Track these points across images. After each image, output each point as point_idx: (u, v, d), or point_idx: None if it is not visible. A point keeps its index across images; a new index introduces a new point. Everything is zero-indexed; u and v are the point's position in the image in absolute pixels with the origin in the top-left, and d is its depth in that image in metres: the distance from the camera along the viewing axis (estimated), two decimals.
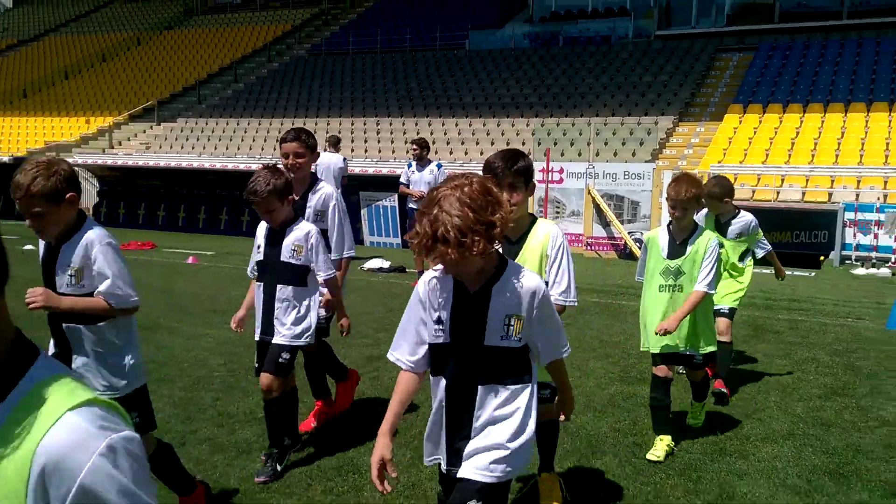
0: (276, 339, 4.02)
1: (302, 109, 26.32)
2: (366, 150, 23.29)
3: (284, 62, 31.67)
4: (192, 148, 24.13)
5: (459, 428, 2.41)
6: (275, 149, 22.93)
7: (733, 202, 5.82)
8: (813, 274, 14.19)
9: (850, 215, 16.04)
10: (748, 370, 6.53)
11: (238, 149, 23.74)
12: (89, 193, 22.16)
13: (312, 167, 4.76)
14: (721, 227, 5.79)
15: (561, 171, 15.53)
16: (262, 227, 4.14)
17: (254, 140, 23.76)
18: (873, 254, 15.35)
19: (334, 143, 13.43)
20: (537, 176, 15.15)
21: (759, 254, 5.99)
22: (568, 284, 3.25)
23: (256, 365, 4.19)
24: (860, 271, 14.25)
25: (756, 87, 23.58)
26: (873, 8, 26.85)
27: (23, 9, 45.72)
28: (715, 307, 5.44)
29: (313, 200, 4.53)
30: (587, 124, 22.81)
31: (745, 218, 5.82)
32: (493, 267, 2.39)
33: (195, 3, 39.63)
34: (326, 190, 4.59)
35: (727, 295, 5.79)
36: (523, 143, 22.71)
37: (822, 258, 15.88)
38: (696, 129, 22.48)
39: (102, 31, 38.76)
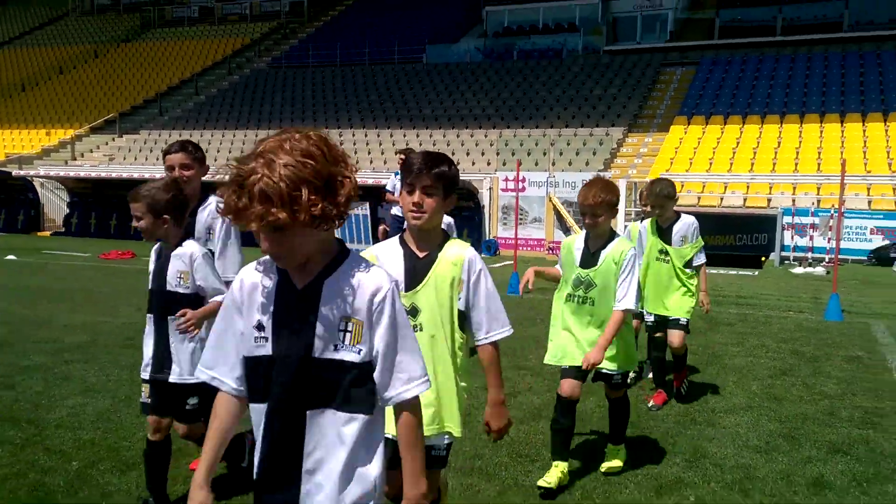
0: (173, 378, 3.41)
1: (265, 122, 26.49)
2: None
3: (245, 75, 31.75)
4: (157, 159, 24.08)
5: (285, 467, 1.80)
6: None
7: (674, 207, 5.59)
8: (756, 273, 15.09)
9: (787, 219, 17.08)
10: (709, 355, 7.17)
11: None
12: (56, 205, 22.00)
13: None
14: (664, 234, 5.49)
15: (523, 180, 16.19)
16: (153, 250, 3.59)
17: (218, 151, 23.83)
18: (809, 254, 16.38)
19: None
20: (509, 185, 15.82)
21: (695, 262, 5.53)
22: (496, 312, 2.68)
23: (146, 401, 3.53)
24: (798, 270, 15.22)
25: (699, 99, 24.72)
26: (805, 24, 28.41)
27: None
28: (671, 318, 5.44)
29: (202, 216, 3.93)
30: (542, 135, 23.60)
31: (687, 220, 5.49)
32: (329, 256, 1.81)
33: (152, 16, 39.35)
34: (214, 206, 3.85)
35: (680, 305, 5.44)
36: (483, 154, 23.39)
37: (763, 259, 16.86)
38: (645, 139, 23.47)
39: (58, 43, 38.13)
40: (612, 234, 3.96)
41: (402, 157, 11.10)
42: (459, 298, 2.59)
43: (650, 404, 5.39)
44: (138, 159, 24.36)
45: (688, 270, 5.45)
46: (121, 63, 34.61)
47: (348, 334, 1.77)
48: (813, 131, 21.55)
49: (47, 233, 21.23)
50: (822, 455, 4.52)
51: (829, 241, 15.68)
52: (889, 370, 6.77)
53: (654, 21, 31.91)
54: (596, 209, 3.81)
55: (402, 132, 25.40)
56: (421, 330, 2.56)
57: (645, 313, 5.61)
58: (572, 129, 24.08)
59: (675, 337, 5.45)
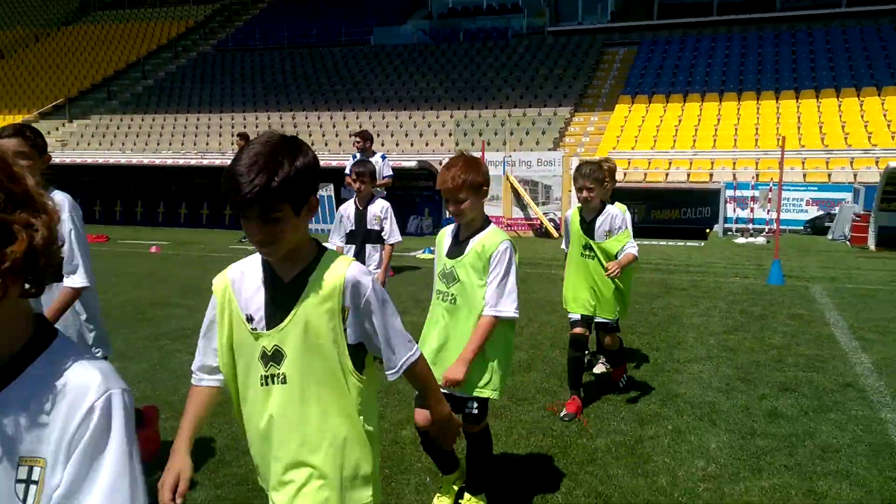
0: None
1: (216, 105, 26.28)
2: None
3: (192, 58, 31.30)
4: (111, 144, 23.74)
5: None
6: (195, 143, 22.97)
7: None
8: (702, 244, 15.97)
9: (730, 193, 18.05)
10: (668, 316, 7.83)
11: (158, 144, 23.57)
12: None
13: None
14: (588, 227, 4.76)
15: (481, 159, 16.73)
16: None
17: (172, 136, 23.62)
18: (750, 225, 17.38)
19: (245, 138, 14.18)
20: None
21: (623, 251, 4.71)
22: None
23: None
24: (741, 240, 16.17)
25: (641, 79, 25.58)
26: (739, 2, 29.55)
27: None
28: (598, 320, 4.80)
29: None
30: (493, 116, 24.14)
31: (611, 212, 4.73)
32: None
33: None
34: (57, 198, 3.26)
35: (608, 307, 4.76)
36: (436, 135, 23.79)
37: (707, 231, 17.80)
38: (591, 118, 24.22)
39: None
40: (486, 222, 3.19)
41: (359, 139, 11.34)
42: (346, 329, 1.90)
43: (562, 413, 4.66)
44: (91, 144, 23.96)
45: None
46: (63, 47, 33.64)
47: None
48: (750, 108, 22.62)
49: None
50: (775, 393, 5.18)
51: (768, 213, 16.66)
52: (827, 324, 7.54)
53: (596, 2, 32.68)
54: (457, 193, 2.99)
55: (355, 114, 25.57)
56: (284, 382, 1.88)
57: (569, 314, 4.93)
58: (521, 109, 24.66)
59: (608, 340, 4.94)
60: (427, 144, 23.27)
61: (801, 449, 4.15)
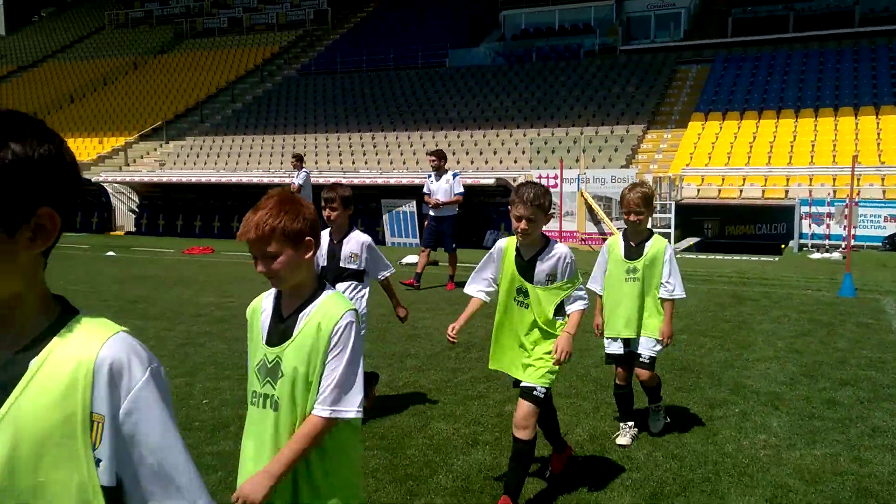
0: None
1: (300, 126, 27.91)
2: (366, 163, 24.97)
3: (277, 83, 33.23)
4: (205, 164, 25.63)
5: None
6: (281, 163, 24.54)
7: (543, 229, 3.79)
8: (776, 259, 16.26)
9: (805, 209, 18.24)
10: (739, 322, 8.43)
11: (248, 164, 25.30)
12: (122, 208, 23.69)
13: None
14: (525, 268, 3.76)
15: (556, 176, 17.50)
16: None
17: (261, 155, 25.30)
18: (826, 241, 17.54)
19: (300, 159, 15.83)
20: (551, 182, 17.17)
21: (569, 308, 3.79)
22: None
23: None
24: (816, 256, 16.37)
25: (715, 96, 25.87)
26: (817, 14, 29.44)
27: (16, 36, 46.67)
28: (522, 384, 3.74)
29: None
30: (565, 134, 24.87)
31: (559, 251, 3.77)
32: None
33: (184, 28, 41.03)
34: None
35: (537, 370, 3.72)
36: (509, 153, 24.67)
37: (782, 246, 18.03)
38: (664, 135, 24.65)
39: (99, 56, 39.93)
40: (316, 291, 2.40)
41: (433, 158, 12.19)
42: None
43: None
44: (187, 164, 25.91)
45: (556, 320, 3.79)
46: (160, 73, 36.25)
47: None
48: (827, 124, 22.63)
49: (120, 232, 22.92)
50: (834, 386, 5.79)
51: (844, 229, 16.80)
52: (893, 332, 8.00)
53: (668, 20, 33.07)
54: (264, 245, 2.22)
55: (431, 134, 26.70)
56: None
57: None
58: (593, 127, 25.29)
59: (522, 415, 3.71)
60: (501, 162, 24.16)
61: (852, 429, 4.79)
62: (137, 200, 23.40)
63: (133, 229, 22.93)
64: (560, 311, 3.82)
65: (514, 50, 33.86)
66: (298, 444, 2.15)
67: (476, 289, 3.95)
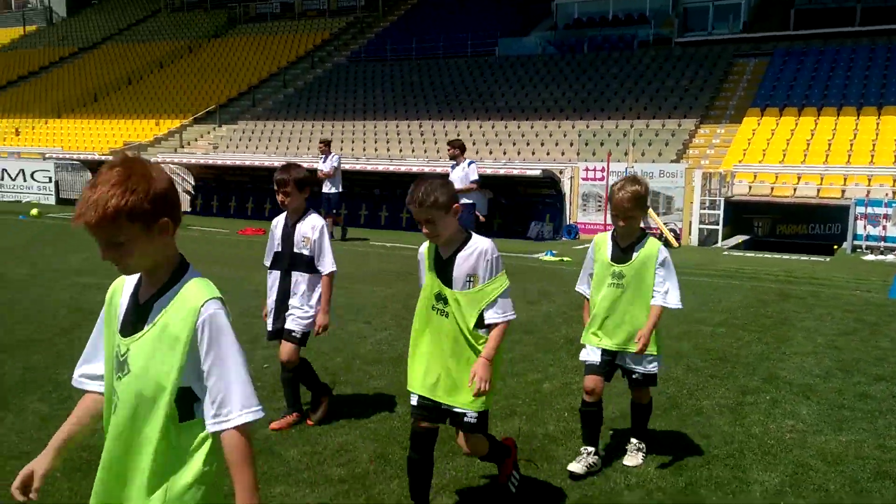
0: None
1: (349, 112, 28.49)
2: (412, 150, 25.41)
3: (327, 69, 33.89)
4: (256, 148, 26.45)
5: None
6: (340, 149, 25.21)
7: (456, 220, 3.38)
8: (828, 259, 16.17)
9: (860, 209, 18.02)
10: (781, 318, 8.58)
11: (297, 149, 26.00)
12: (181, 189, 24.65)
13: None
14: (442, 270, 3.37)
15: (603, 169, 17.65)
16: None
17: (310, 141, 25.93)
18: (882, 243, 17.33)
19: (328, 144, 16.40)
20: (589, 175, 17.35)
21: (489, 318, 3.31)
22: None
23: None
24: (869, 257, 16.22)
25: (773, 91, 25.54)
26: (887, 5, 28.68)
27: (77, 18, 48.53)
28: (454, 409, 3.34)
29: None
30: (615, 127, 24.90)
31: (479, 246, 3.34)
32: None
33: (238, 12, 42.06)
34: None
35: (466, 394, 3.30)
36: (557, 144, 24.83)
37: (835, 247, 17.87)
38: (717, 130, 24.48)
39: (155, 39, 41.28)
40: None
41: (449, 147, 12.49)
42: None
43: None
44: (239, 147, 26.76)
45: (479, 332, 3.33)
46: (213, 57, 37.31)
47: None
48: (890, 123, 22.21)
49: None
50: (869, 381, 5.98)
51: None
52: None
53: (728, 11, 32.63)
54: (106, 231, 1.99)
55: (479, 123, 26.98)
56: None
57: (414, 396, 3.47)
58: (644, 120, 25.24)
59: (468, 444, 3.45)
60: (548, 153, 24.33)
61: (880, 420, 5.01)
62: (192, 182, 24.35)
63: (188, 209, 23.84)
64: (480, 322, 3.31)
65: (566, 39, 33.84)
66: (242, 474, 1.89)
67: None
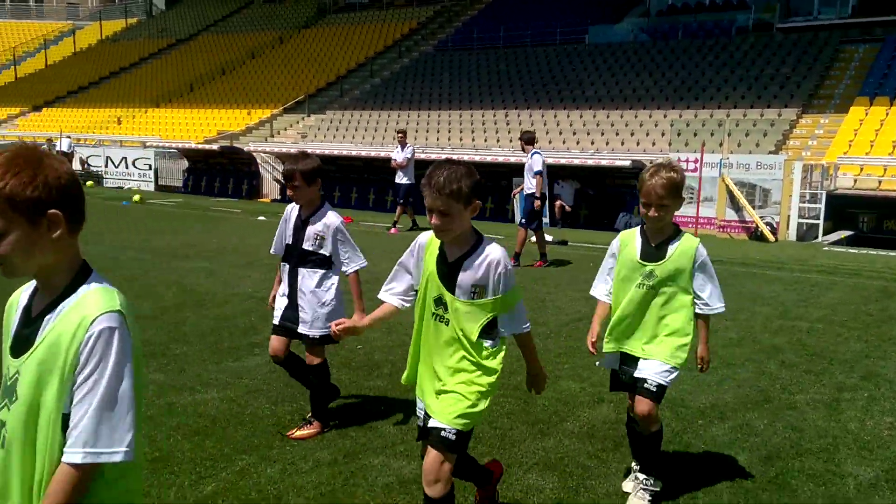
0: None
1: (435, 102, 28.87)
2: (498, 141, 25.56)
3: (414, 58, 34.39)
4: (343, 137, 27.21)
5: None
6: (415, 138, 25.59)
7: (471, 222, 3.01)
8: None
9: None
10: (885, 316, 8.29)
11: (383, 138, 26.59)
12: (268, 177, 25.75)
13: None
14: (447, 274, 2.98)
15: (696, 161, 17.34)
16: None
17: (396, 131, 26.49)
18: None
19: (405, 134, 16.88)
20: (690, 167, 17.10)
21: (504, 330, 3.07)
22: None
23: None
24: None
25: (883, 79, 24.32)
26: None
27: (175, 10, 51.05)
28: (434, 426, 2.94)
29: None
30: (709, 116, 24.30)
31: (490, 256, 2.95)
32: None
33: (327, 2, 43.20)
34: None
35: (447, 409, 2.94)
36: (647, 134, 24.46)
37: None
38: (821, 121, 23.54)
39: (247, 30, 42.96)
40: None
41: (521, 141, 12.49)
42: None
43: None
44: (327, 137, 27.60)
45: (485, 344, 2.99)
46: (303, 48, 38.50)
47: None
48: None
49: (267, 199, 24.91)
50: None
51: None
52: None
53: None
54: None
55: (566, 112, 26.86)
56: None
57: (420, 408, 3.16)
58: (741, 109, 24.52)
59: (429, 465, 2.96)
60: (638, 144, 24.02)
61: None
62: (281, 171, 25.34)
63: (278, 197, 24.83)
64: (488, 332, 2.99)
65: (659, 26, 33.16)
66: None
67: (391, 293, 3.23)
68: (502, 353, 3.04)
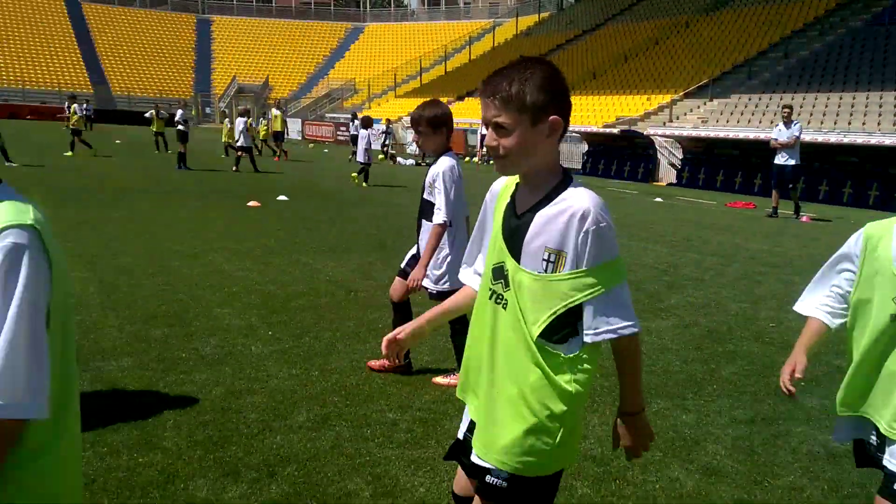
0: None
1: (863, 84, 25.90)
2: None
3: (840, 34, 31.21)
4: (748, 122, 26.05)
5: None
6: (835, 122, 23.34)
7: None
8: None
9: None
10: None
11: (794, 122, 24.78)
12: (664, 161, 26.19)
13: None
14: (513, 229, 2.04)
15: None
16: None
17: (811, 114, 24.47)
18: None
19: (791, 109, 15.87)
20: None
21: (589, 334, 1.96)
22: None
23: None
24: None
25: None
26: None
27: (583, 3, 53.92)
28: (472, 457, 2.10)
29: None
30: None
31: (573, 203, 1.96)
32: None
33: None
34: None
35: (507, 435, 1.99)
36: None
37: None
38: None
39: (653, 17, 43.43)
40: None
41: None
42: None
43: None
44: (730, 121, 26.69)
45: (553, 350, 1.96)
46: (709, 32, 37.59)
47: None
48: None
49: (662, 183, 25.39)
50: None
51: None
52: None
53: None
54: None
55: None
56: None
57: None
58: None
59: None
60: None
61: None
62: (680, 155, 25.38)
63: (674, 181, 24.98)
64: (560, 331, 1.95)
65: None
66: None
67: (467, 271, 2.33)
68: (588, 368, 1.96)
